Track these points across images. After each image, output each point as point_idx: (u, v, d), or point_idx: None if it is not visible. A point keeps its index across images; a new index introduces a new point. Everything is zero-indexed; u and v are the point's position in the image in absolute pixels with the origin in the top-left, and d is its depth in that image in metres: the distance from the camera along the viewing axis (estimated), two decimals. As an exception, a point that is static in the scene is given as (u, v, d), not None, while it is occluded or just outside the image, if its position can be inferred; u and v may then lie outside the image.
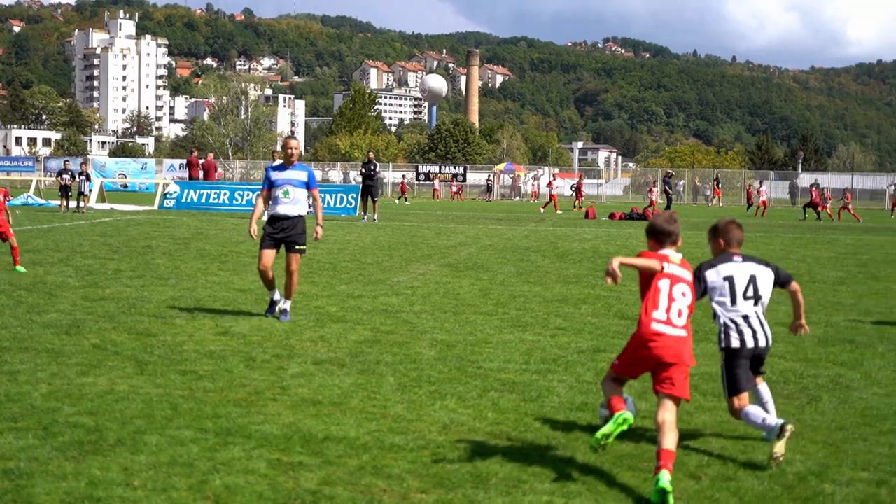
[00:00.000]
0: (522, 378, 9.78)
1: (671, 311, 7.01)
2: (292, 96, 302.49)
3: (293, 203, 13.50)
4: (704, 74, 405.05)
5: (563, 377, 9.89)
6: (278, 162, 13.88)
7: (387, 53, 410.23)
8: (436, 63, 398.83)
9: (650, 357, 6.97)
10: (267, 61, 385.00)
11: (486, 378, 9.70)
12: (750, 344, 7.61)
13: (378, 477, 6.60)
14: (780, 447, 7.04)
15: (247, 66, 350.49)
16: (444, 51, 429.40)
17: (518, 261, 22.56)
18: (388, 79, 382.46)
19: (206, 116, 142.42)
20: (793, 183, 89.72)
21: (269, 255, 13.42)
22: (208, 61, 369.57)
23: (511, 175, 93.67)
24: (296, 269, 13.53)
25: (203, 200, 44.20)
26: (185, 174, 53.98)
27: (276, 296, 13.63)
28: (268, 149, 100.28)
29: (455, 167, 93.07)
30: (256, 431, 7.57)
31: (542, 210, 54.52)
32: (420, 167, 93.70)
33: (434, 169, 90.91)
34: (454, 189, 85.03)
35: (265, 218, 13.98)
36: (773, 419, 7.29)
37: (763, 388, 7.93)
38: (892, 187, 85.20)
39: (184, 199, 44.46)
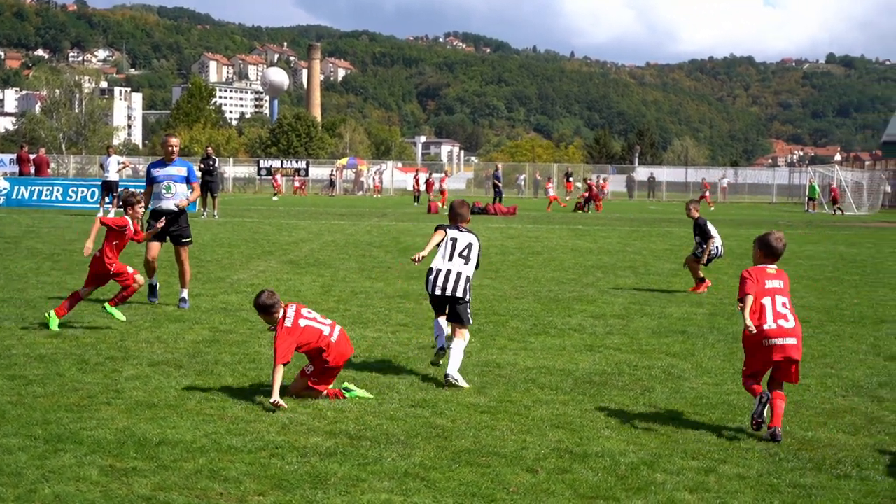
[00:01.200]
0: (363, 375, 9.77)
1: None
2: (129, 89, 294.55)
3: (175, 198, 14.41)
4: (544, 69, 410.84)
5: (403, 373, 9.91)
6: (157, 158, 14.58)
7: (226, 46, 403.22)
8: (277, 56, 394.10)
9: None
10: (102, 53, 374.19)
11: (326, 376, 9.64)
12: (441, 292, 9.98)
13: (215, 480, 6.50)
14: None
15: (80, 58, 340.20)
16: (286, 44, 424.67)
17: (360, 256, 22.54)
18: (228, 72, 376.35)
19: (37, 110, 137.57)
20: (630, 177, 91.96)
21: (156, 247, 14.37)
22: (39, 53, 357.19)
23: (354, 169, 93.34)
24: (186, 259, 14.51)
25: (35, 197, 42.82)
26: (16, 170, 52.06)
27: (155, 280, 14.65)
28: (103, 143, 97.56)
29: (297, 162, 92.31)
30: (89, 437, 7.37)
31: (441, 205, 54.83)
32: (262, 162, 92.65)
33: (276, 164, 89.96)
34: (296, 184, 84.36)
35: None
36: (443, 340, 10.05)
37: (459, 344, 9.89)
38: (725, 180, 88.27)
39: (14, 196, 42.95)
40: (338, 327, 9.14)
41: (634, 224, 40.14)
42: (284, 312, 8.90)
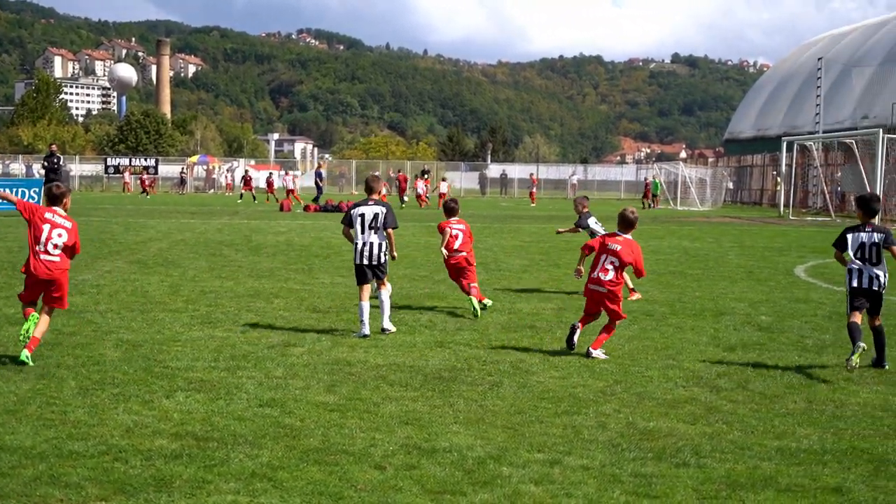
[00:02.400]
0: (211, 376, 9.65)
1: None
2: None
3: None
4: (397, 67, 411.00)
5: (252, 373, 9.82)
6: None
7: (72, 41, 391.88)
8: (125, 52, 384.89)
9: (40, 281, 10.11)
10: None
11: (173, 378, 9.50)
12: (366, 262, 12.24)
13: (55, 486, 6.33)
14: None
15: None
16: (134, 39, 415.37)
17: (210, 255, 22.24)
18: (73, 67, 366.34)
19: None
20: (482, 174, 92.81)
21: None
22: None
23: (205, 167, 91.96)
24: None
25: None
26: None
27: None
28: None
29: (146, 159, 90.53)
30: (-79, 446, 7.10)
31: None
32: (109, 159, 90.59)
33: (124, 161, 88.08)
34: (146, 182, 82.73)
35: None
36: (367, 324, 12.08)
37: (385, 294, 12.45)
38: (575, 177, 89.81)
39: None
40: (49, 255, 10.06)
41: (486, 220, 40.53)
42: (56, 208, 10.28)
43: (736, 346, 11.96)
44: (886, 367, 10.78)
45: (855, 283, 10.65)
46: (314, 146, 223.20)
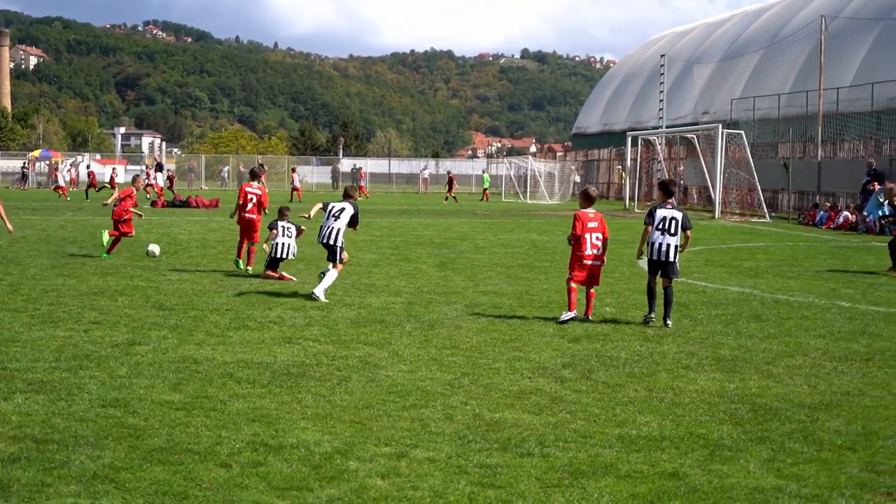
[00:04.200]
0: (52, 377, 9.42)
1: None
2: None
3: None
4: (247, 60, 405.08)
5: (95, 373, 9.62)
6: None
7: None
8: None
9: None
10: None
11: (11, 379, 9.23)
12: (323, 241, 15.54)
13: None
14: None
15: None
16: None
17: (52, 253, 21.66)
18: None
19: None
20: (335, 168, 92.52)
21: None
22: None
23: (48, 162, 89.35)
24: None
25: None
26: None
27: None
28: None
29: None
30: None
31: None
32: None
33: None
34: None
35: None
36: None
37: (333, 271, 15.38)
38: (427, 171, 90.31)
39: None
40: None
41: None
42: None
43: (581, 337, 12.23)
44: (669, 323, 13.10)
45: (655, 257, 13.32)
46: (163, 140, 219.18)
